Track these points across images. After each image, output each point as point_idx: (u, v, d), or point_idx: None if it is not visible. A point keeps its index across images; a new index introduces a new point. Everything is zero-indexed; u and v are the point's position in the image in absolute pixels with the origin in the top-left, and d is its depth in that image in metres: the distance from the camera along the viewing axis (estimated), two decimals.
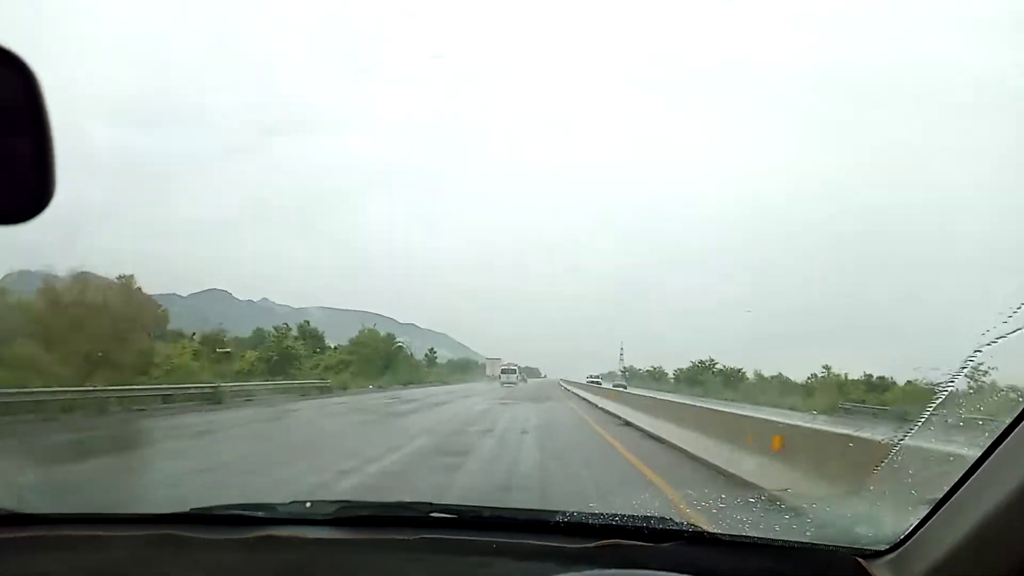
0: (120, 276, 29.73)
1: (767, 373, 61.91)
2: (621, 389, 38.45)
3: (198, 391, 24.44)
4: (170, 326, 37.60)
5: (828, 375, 50.85)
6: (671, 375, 78.77)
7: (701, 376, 67.82)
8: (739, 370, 66.89)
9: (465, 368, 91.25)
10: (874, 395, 41.09)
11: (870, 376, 47.02)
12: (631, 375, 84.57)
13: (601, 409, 25.45)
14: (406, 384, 48.37)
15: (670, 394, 34.84)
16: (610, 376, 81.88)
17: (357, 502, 2.21)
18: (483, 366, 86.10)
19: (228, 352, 36.16)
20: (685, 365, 75.00)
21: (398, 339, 63.24)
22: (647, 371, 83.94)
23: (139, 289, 29.81)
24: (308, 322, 51.74)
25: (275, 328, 46.53)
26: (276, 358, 40.74)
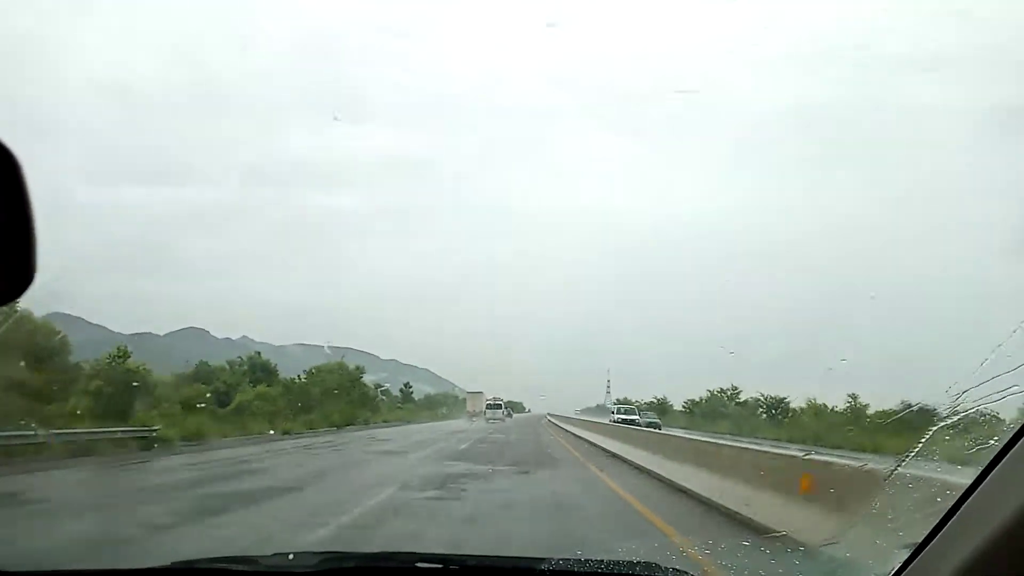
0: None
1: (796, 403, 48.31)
2: (653, 430, 25.99)
3: None
4: (149, 366, 29.76)
5: (855, 403, 40.83)
6: (680, 408, 64.18)
7: (725, 408, 54.39)
8: (783, 399, 49.81)
9: (439, 404, 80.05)
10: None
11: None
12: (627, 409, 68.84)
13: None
14: (343, 426, 37.43)
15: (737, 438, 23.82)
16: (598, 410, 70.39)
17: (342, 553, 2.17)
18: (463, 401, 76.00)
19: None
20: (679, 394, 63.33)
21: (374, 375, 59.42)
22: (647, 404, 65.83)
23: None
24: (259, 353, 46.15)
25: (228, 361, 41.28)
26: (110, 391, 24.86)
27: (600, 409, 72.48)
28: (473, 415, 65.89)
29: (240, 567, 2.02)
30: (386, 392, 63.57)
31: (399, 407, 63.05)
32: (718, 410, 55.28)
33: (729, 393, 57.01)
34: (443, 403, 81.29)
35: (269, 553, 2.11)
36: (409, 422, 52.70)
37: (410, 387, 74.50)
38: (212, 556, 2.10)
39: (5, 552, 5.54)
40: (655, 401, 68.31)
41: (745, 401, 55.29)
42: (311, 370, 46.71)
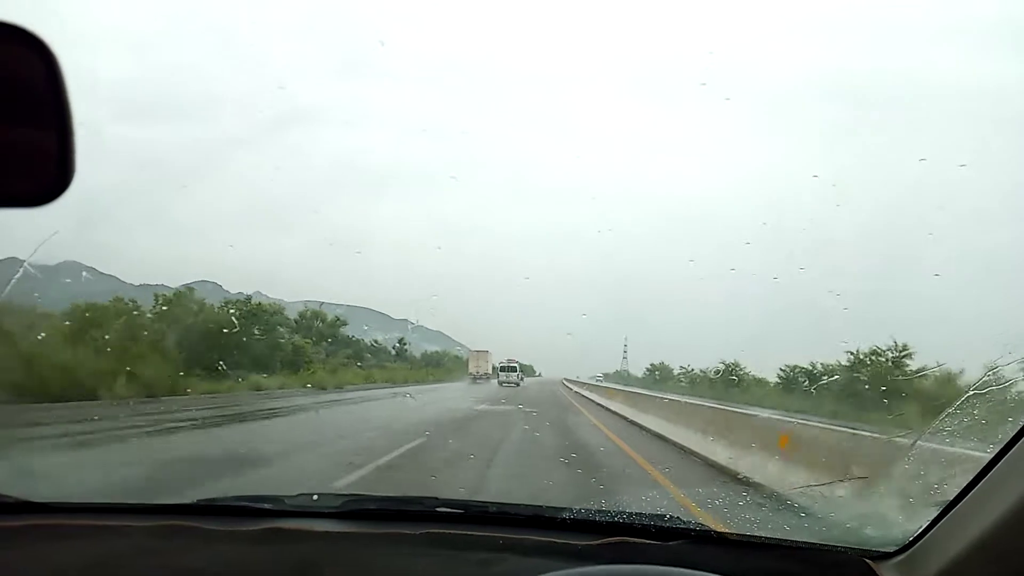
0: None
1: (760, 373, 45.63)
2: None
3: None
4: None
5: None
6: (680, 376, 58.82)
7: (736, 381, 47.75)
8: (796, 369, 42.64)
9: (436, 363, 65.03)
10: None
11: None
12: (621, 377, 62.64)
13: None
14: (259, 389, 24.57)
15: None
16: (615, 376, 64.92)
17: (364, 495, 2.21)
18: (466, 361, 60.11)
19: None
20: (697, 363, 55.74)
21: (386, 334, 53.78)
22: (648, 370, 63.06)
23: None
24: (250, 298, 36.59)
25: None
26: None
27: (618, 375, 67.61)
28: (477, 377, 54.59)
29: (264, 505, 2.07)
30: (377, 348, 53.53)
31: (383, 366, 48.00)
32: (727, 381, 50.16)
33: (731, 366, 50.56)
34: (442, 362, 65.79)
35: (295, 493, 2.16)
36: (389, 384, 38.25)
37: (405, 343, 58.75)
38: (237, 495, 2.15)
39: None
40: (654, 367, 65.00)
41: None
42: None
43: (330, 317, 43.18)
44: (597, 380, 51.27)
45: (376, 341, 56.34)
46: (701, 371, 54.69)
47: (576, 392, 36.91)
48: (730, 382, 47.48)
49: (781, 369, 44.98)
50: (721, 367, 50.51)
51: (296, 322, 40.07)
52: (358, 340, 52.07)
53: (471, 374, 55.85)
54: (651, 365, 65.35)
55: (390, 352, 55.88)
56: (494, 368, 55.38)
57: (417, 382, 43.79)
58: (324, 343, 42.09)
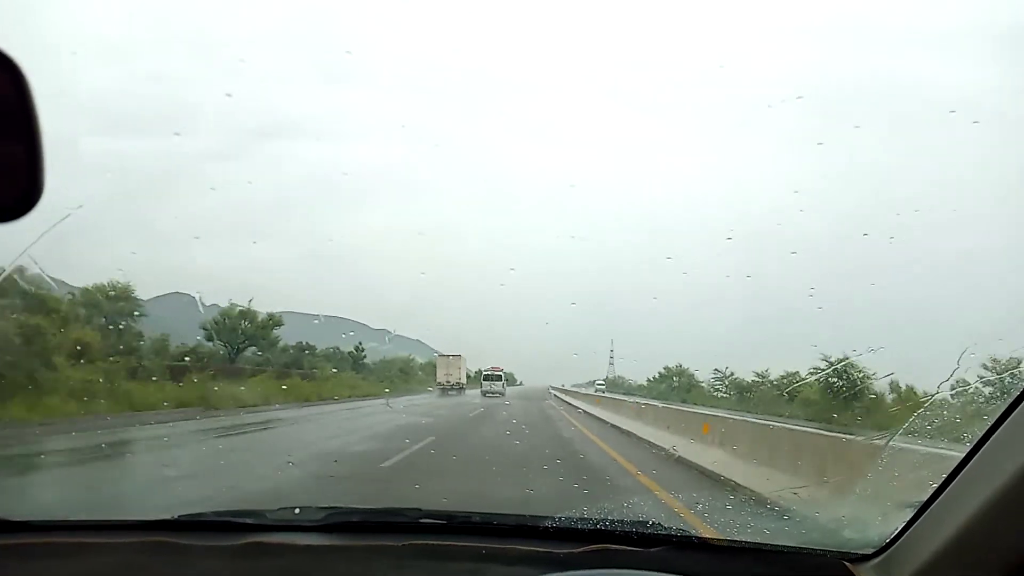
0: None
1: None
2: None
3: None
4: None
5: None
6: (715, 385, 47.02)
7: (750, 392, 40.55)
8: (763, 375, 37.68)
9: (394, 370, 49.77)
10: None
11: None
12: (617, 385, 53.56)
13: None
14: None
15: None
16: (610, 385, 57.13)
17: (346, 508, 2.19)
18: (435, 367, 48.11)
19: None
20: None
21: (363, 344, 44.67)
22: (660, 376, 50.80)
23: None
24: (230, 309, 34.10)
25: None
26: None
27: (614, 384, 58.68)
28: (447, 387, 43.44)
29: (245, 520, 2.05)
30: (318, 353, 44.21)
31: (326, 378, 35.64)
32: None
33: (724, 373, 46.05)
34: (404, 370, 51.05)
35: (275, 508, 2.14)
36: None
37: (362, 349, 48.35)
38: (218, 510, 2.13)
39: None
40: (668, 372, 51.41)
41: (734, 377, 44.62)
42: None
43: (260, 317, 34.29)
44: (599, 389, 44.07)
45: (339, 349, 47.32)
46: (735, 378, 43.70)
47: (578, 411, 25.33)
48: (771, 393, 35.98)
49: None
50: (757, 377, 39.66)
51: (216, 323, 33.39)
52: (315, 346, 44.23)
53: (439, 384, 44.13)
54: (665, 369, 51.50)
55: (347, 360, 46.41)
56: (469, 377, 47.00)
57: (365, 396, 32.34)
58: (245, 348, 34.69)
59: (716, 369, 44.42)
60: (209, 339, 33.27)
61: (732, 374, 44.02)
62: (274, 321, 35.52)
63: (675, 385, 48.86)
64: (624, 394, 36.71)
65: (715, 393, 44.66)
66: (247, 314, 33.64)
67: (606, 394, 33.71)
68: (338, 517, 2.09)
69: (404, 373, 50.52)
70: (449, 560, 1.85)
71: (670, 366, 50.61)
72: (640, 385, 52.92)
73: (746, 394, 40.06)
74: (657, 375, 52.04)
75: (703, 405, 30.50)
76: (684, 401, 36.60)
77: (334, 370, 40.89)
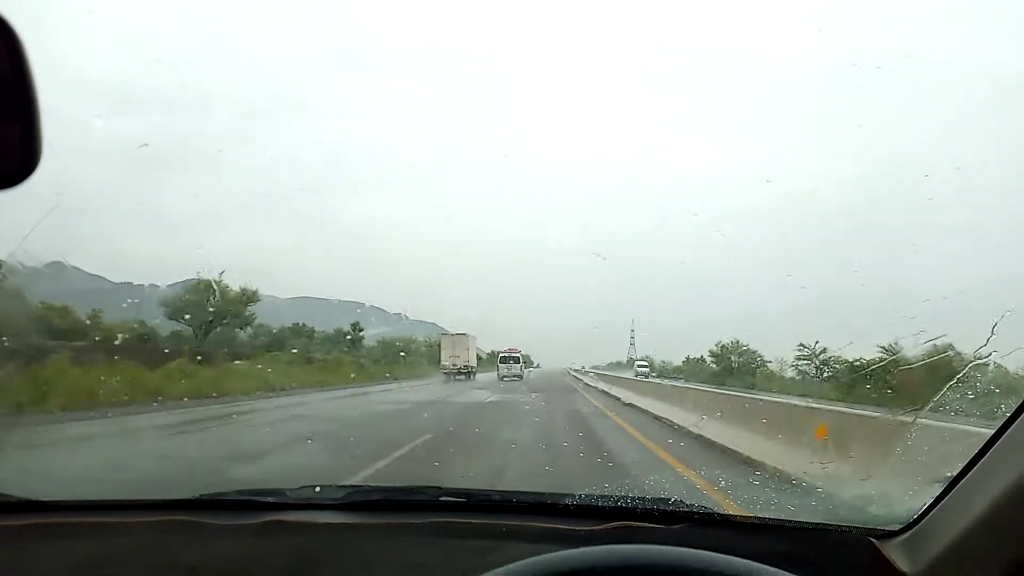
0: None
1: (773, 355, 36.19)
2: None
3: None
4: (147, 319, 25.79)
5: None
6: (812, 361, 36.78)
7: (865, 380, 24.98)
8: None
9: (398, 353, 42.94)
10: None
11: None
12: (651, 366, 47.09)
13: None
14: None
15: None
16: (622, 366, 53.77)
17: (367, 486, 2.21)
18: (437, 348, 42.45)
19: None
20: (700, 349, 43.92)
21: (378, 329, 40.15)
22: (712, 356, 43.57)
23: None
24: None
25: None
26: None
27: (625, 364, 55.16)
28: (454, 372, 38.10)
29: (267, 499, 2.06)
30: (316, 335, 40.82)
31: (312, 360, 32.42)
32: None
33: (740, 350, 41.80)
34: (406, 351, 44.23)
35: (296, 487, 2.15)
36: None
37: (360, 329, 42.87)
38: (240, 488, 2.15)
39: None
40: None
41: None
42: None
43: (233, 291, 29.50)
44: (641, 373, 38.72)
45: (339, 328, 43.04)
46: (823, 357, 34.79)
47: (636, 409, 17.68)
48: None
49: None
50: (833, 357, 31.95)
51: (182, 299, 29.62)
52: (296, 326, 40.46)
53: (443, 368, 38.19)
54: (719, 347, 42.70)
55: (346, 340, 41.79)
56: (481, 359, 42.57)
57: (363, 383, 28.19)
58: (218, 325, 30.35)
59: (802, 344, 34.64)
60: (172, 318, 29.17)
61: (823, 351, 34.40)
62: (248, 296, 30.56)
63: (734, 366, 40.69)
64: (666, 378, 31.92)
65: (796, 376, 35.48)
66: (216, 286, 27.33)
67: (657, 379, 27.23)
68: (358, 496, 2.11)
69: (407, 355, 43.35)
70: (469, 537, 1.85)
71: (725, 343, 42.08)
72: (677, 367, 47.13)
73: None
74: (708, 354, 43.54)
75: (793, 393, 23.24)
76: (752, 387, 30.83)
77: (344, 353, 36.96)
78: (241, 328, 32.55)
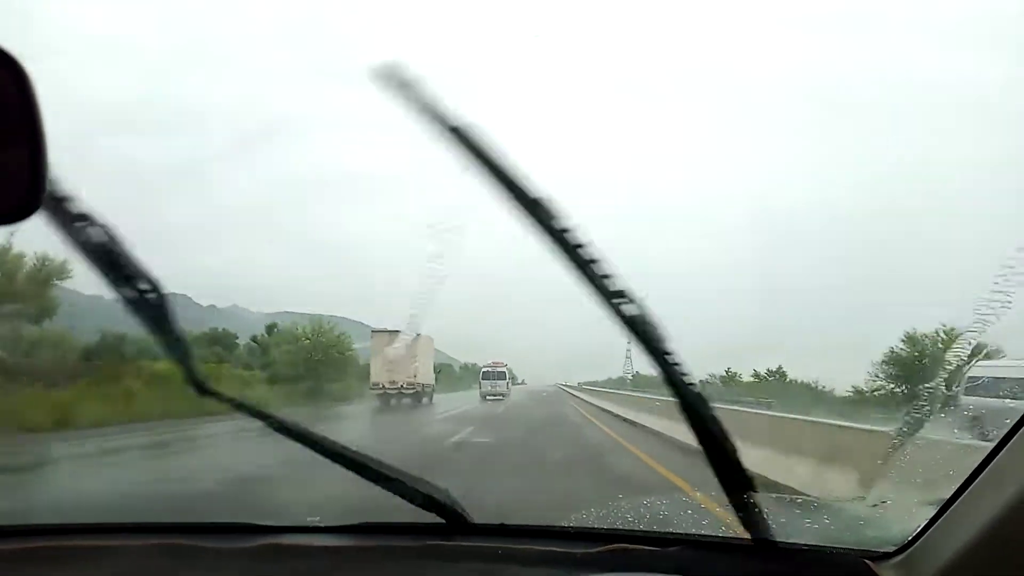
0: None
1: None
2: None
3: None
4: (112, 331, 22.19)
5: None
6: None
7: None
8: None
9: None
10: None
11: None
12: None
13: None
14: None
15: None
16: (620, 382, 53.17)
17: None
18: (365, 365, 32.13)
19: None
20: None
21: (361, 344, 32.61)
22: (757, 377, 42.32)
23: None
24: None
25: None
26: None
27: (621, 381, 53.92)
28: (389, 393, 27.49)
29: (265, 522, 2.04)
30: (240, 346, 35.55)
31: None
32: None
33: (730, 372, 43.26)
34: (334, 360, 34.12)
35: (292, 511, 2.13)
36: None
37: (271, 333, 37.80)
38: (237, 512, 2.13)
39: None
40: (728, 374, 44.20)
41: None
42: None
43: (26, 265, 22.45)
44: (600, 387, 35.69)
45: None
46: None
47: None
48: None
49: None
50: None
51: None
52: (214, 331, 33.50)
53: (374, 387, 27.92)
54: (768, 372, 41.23)
55: (255, 348, 34.50)
56: (439, 372, 32.80)
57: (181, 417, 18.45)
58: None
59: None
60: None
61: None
62: (48, 272, 22.55)
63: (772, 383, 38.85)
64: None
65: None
66: None
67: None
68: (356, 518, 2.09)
69: (336, 366, 31.76)
70: (465, 560, 1.84)
71: (772, 368, 40.03)
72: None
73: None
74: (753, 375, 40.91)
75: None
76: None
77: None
78: (35, 322, 22.21)
